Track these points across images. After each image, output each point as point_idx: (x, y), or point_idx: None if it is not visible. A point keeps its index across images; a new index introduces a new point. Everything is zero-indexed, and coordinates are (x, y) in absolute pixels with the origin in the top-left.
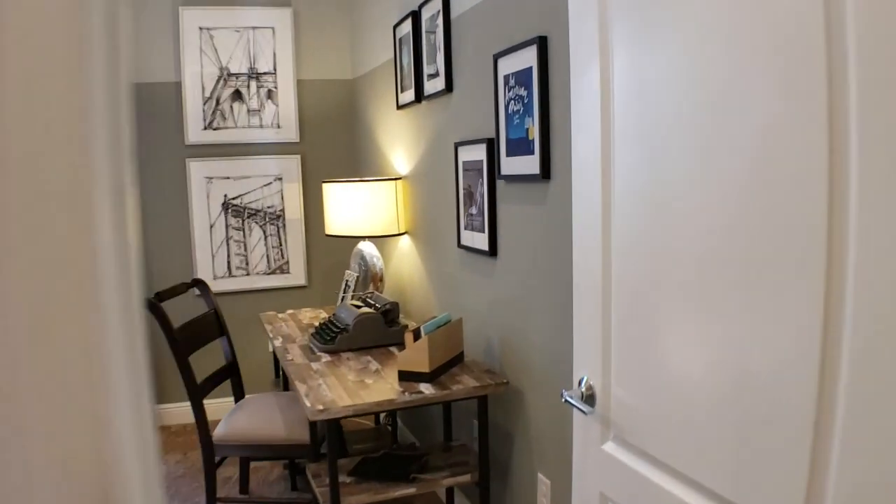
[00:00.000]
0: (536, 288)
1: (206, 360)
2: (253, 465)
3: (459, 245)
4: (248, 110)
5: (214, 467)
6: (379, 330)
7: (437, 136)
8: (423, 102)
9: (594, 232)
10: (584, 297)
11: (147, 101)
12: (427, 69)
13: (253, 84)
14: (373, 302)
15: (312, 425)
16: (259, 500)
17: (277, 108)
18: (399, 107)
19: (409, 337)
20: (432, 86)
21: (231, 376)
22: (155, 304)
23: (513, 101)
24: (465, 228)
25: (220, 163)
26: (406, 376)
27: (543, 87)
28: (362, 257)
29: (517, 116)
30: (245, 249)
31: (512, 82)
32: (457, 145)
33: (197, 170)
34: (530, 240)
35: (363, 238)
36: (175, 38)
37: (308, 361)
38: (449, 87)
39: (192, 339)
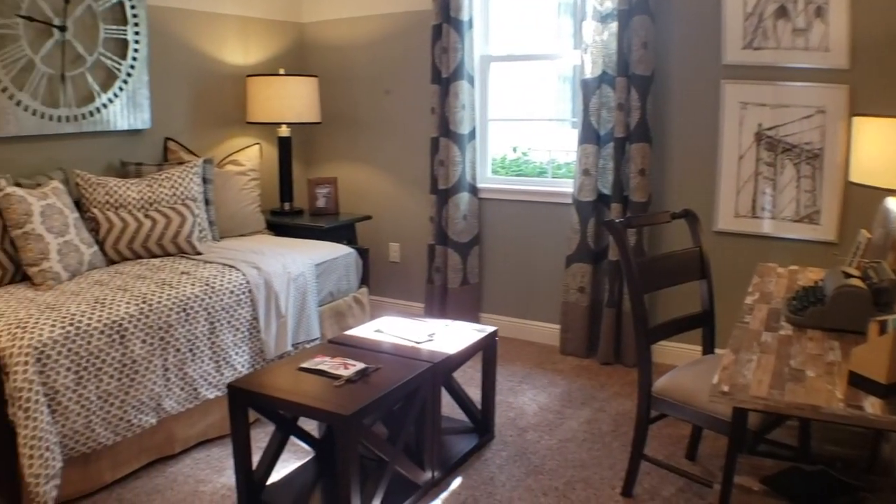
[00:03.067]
0: None
1: (680, 301)
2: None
3: None
4: (793, 29)
5: (646, 420)
6: (862, 310)
7: None
8: None
9: None
10: None
11: (686, 11)
12: None
13: None
14: (873, 274)
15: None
16: (674, 468)
17: (827, 29)
18: None
19: (873, 328)
20: None
21: (703, 326)
22: (613, 226)
23: None
24: None
25: (758, 87)
26: (857, 381)
27: None
28: (886, 216)
29: None
30: (774, 189)
31: None
32: None
33: (732, 93)
34: None
35: (890, 191)
36: None
37: (762, 329)
38: None
39: (661, 274)
